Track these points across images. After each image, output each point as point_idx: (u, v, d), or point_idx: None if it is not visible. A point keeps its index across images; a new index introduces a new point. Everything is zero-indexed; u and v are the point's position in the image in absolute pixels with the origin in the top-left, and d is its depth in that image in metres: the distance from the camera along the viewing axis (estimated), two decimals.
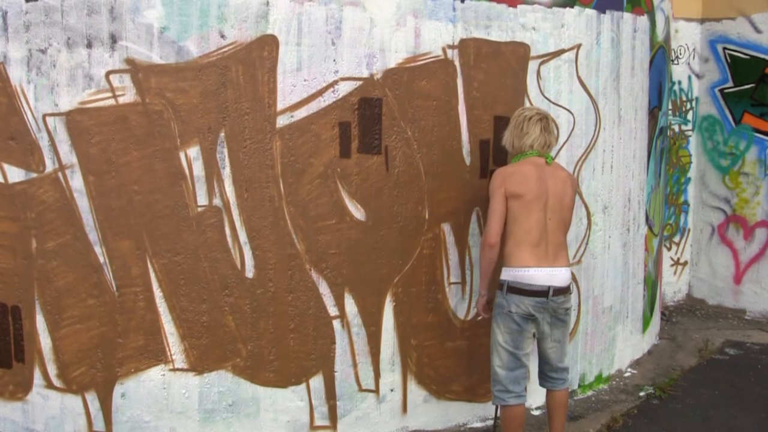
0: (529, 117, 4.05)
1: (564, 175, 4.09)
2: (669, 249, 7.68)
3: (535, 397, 5.02)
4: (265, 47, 4.05)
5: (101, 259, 4.08)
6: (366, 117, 4.23)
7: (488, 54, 4.53)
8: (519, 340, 3.94)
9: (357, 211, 4.28)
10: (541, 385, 4.22)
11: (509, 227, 3.95)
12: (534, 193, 3.90)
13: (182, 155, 4.04)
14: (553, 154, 4.85)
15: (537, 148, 4.02)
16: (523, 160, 4.03)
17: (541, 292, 3.89)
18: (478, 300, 4.20)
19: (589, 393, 5.31)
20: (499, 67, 4.58)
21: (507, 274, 3.95)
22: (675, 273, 7.77)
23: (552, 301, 3.91)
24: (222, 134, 4.06)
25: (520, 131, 4.05)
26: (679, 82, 7.53)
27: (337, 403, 4.37)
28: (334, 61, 4.16)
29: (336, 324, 4.32)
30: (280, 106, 4.10)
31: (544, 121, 4.06)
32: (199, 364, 4.18)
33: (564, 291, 3.97)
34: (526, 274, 3.89)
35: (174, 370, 4.17)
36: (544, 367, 4.16)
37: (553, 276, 3.92)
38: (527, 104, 4.72)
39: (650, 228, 6.16)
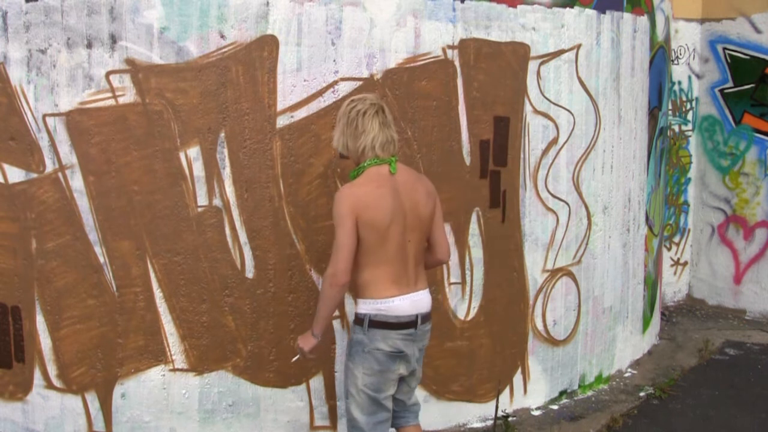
0: (363, 111, 3.35)
1: (414, 180, 3.46)
2: (669, 249, 7.68)
3: (535, 397, 5.02)
4: (265, 47, 4.05)
5: (101, 260, 4.07)
6: None
7: (488, 54, 4.53)
8: (381, 382, 3.35)
9: None
10: (395, 424, 3.60)
11: (363, 257, 3.31)
12: (390, 217, 3.27)
13: (182, 155, 4.04)
14: (552, 154, 4.88)
15: (378, 151, 3.35)
16: (367, 173, 3.35)
17: (410, 323, 3.34)
18: (308, 341, 3.43)
19: (589, 393, 5.31)
20: (499, 67, 4.58)
21: (367, 307, 3.34)
22: (675, 273, 7.78)
23: (420, 330, 3.39)
24: (222, 134, 4.06)
25: (354, 129, 3.35)
26: (679, 83, 7.53)
27: (338, 403, 4.37)
28: (334, 61, 4.16)
29: (336, 324, 4.32)
30: (280, 107, 4.10)
31: (381, 113, 3.38)
32: (199, 365, 4.18)
33: (429, 317, 3.46)
34: (391, 306, 3.31)
35: (174, 370, 4.17)
36: (399, 405, 3.57)
37: (418, 302, 3.39)
38: (527, 105, 4.73)
39: (650, 228, 6.16)
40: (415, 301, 3.37)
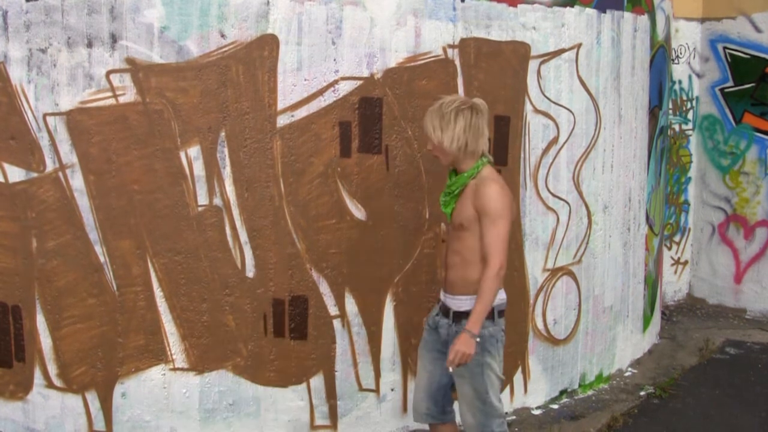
0: (477, 111, 3.43)
1: None
2: (669, 248, 7.68)
3: (536, 396, 5.02)
4: (266, 47, 4.05)
5: (102, 259, 4.08)
6: (366, 116, 4.23)
7: (488, 53, 4.53)
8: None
9: (357, 211, 4.28)
10: (434, 420, 3.74)
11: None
12: (515, 211, 3.58)
13: (182, 155, 4.04)
14: (552, 153, 4.88)
15: (485, 153, 3.51)
16: (490, 171, 3.50)
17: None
18: (471, 345, 3.34)
19: (590, 392, 5.31)
20: (499, 66, 4.58)
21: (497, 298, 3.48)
22: (675, 272, 7.77)
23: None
24: (222, 134, 4.06)
25: (477, 130, 3.41)
26: (680, 82, 7.53)
27: (338, 402, 4.37)
28: (335, 60, 4.16)
29: (336, 323, 4.32)
30: (280, 106, 4.10)
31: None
32: (199, 364, 4.18)
33: None
34: (504, 294, 3.56)
35: (174, 369, 4.17)
36: (447, 400, 3.73)
37: None
38: (528, 104, 4.72)
39: (651, 227, 6.16)
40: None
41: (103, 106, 3.98)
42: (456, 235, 3.52)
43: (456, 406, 3.74)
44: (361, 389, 4.42)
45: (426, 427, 4.57)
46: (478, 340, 3.35)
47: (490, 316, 3.43)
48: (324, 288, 4.27)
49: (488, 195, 3.35)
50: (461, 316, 3.45)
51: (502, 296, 3.52)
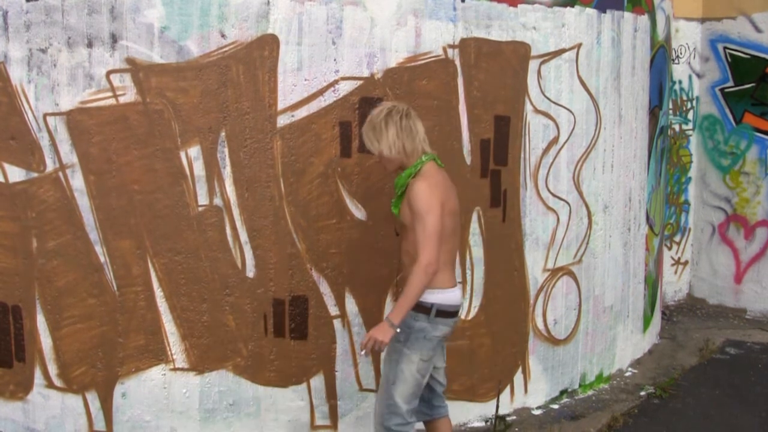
0: (406, 113, 3.51)
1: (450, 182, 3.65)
2: (669, 248, 7.68)
3: (536, 396, 5.02)
4: (266, 47, 4.05)
5: (102, 259, 4.07)
6: (366, 116, 4.22)
7: (489, 53, 4.53)
8: (429, 368, 3.61)
9: (358, 211, 4.28)
10: (434, 413, 3.82)
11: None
12: (454, 207, 3.53)
13: (183, 155, 4.04)
14: (552, 153, 4.88)
15: (426, 147, 3.55)
16: (429, 167, 3.53)
17: (457, 312, 3.62)
18: (387, 333, 3.36)
19: (590, 392, 5.31)
20: (499, 66, 4.58)
21: (435, 297, 3.48)
22: (675, 272, 7.77)
23: (457, 320, 3.67)
24: (222, 134, 4.06)
25: (409, 132, 3.49)
26: (680, 82, 7.53)
27: (338, 402, 4.37)
28: (335, 60, 4.16)
29: (337, 323, 4.32)
30: (280, 106, 4.10)
31: (415, 115, 3.57)
32: (199, 364, 4.18)
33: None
34: (452, 296, 3.54)
35: (175, 369, 4.17)
36: (434, 395, 3.80)
37: (460, 294, 3.66)
38: (528, 104, 4.72)
39: (651, 227, 6.16)
40: (460, 293, 3.65)
41: (104, 106, 3.98)
42: (403, 234, 3.61)
43: (446, 400, 3.87)
44: (362, 389, 4.42)
45: (421, 426, 4.57)
46: (397, 330, 3.40)
47: (427, 312, 3.48)
48: (324, 288, 4.27)
49: (414, 192, 3.40)
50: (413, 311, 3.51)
51: (448, 297, 3.52)
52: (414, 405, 3.61)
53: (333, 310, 4.30)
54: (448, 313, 3.54)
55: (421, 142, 3.52)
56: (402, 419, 3.56)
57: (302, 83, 4.12)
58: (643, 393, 5.30)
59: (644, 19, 5.57)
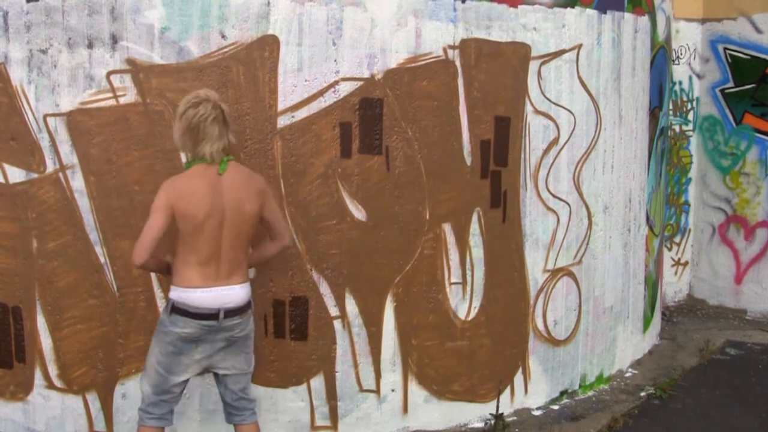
0: (205, 116, 3.43)
1: (243, 179, 3.54)
2: (670, 249, 7.68)
3: (536, 397, 5.02)
4: (266, 47, 4.05)
5: (102, 260, 4.07)
6: (367, 117, 4.23)
7: (489, 54, 4.53)
8: (174, 363, 3.50)
9: (358, 212, 4.28)
10: (228, 420, 3.74)
11: (178, 246, 3.49)
12: (206, 212, 3.39)
13: (183, 156, 4.03)
14: (553, 154, 4.88)
15: (214, 157, 3.46)
16: (194, 169, 3.48)
17: (210, 315, 3.45)
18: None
19: (590, 393, 5.31)
20: (500, 67, 4.58)
21: (173, 294, 3.48)
22: (676, 273, 7.77)
23: (225, 323, 3.49)
24: None
25: (196, 135, 3.45)
26: (680, 83, 7.53)
27: (338, 403, 4.37)
28: (335, 61, 4.16)
29: (337, 324, 4.32)
30: (281, 107, 4.10)
31: (221, 118, 3.47)
32: None
33: (239, 312, 3.53)
34: (192, 296, 3.43)
35: None
36: (226, 398, 3.69)
37: (225, 296, 3.48)
38: (528, 105, 4.72)
39: (651, 228, 6.16)
40: (221, 296, 3.48)
41: (104, 106, 3.98)
42: None
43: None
44: (362, 390, 4.42)
45: (422, 427, 4.58)
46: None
47: (167, 306, 3.52)
48: (324, 288, 4.27)
49: None
50: None
51: (188, 297, 3.44)
52: (159, 398, 3.54)
53: (333, 311, 4.30)
54: (190, 313, 3.43)
55: (209, 148, 3.44)
56: (143, 404, 3.58)
57: (302, 84, 4.12)
58: (643, 394, 5.30)
59: (644, 20, 5.57)
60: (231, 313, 3.50)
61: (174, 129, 3.54)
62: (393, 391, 4.49)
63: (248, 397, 3.71)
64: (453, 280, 4.58)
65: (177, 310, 3.46)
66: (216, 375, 3.66)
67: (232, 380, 3.66)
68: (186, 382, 3.60)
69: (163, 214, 3.39)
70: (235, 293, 3.52)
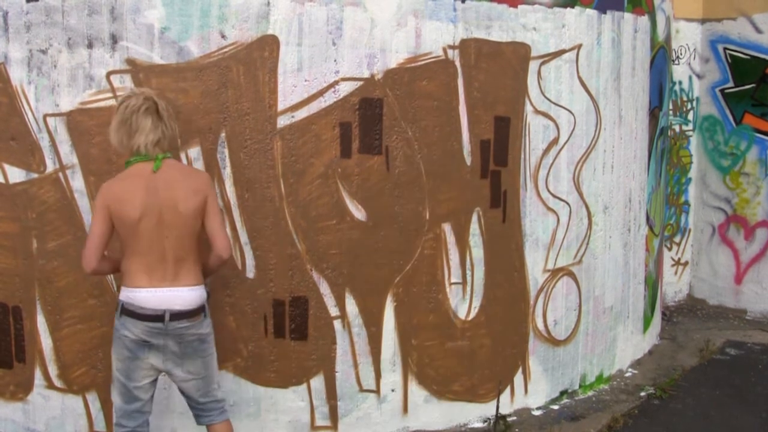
0: (136, 107, 3.39)
1: (180, 177, 3.44)
2: (670, 249, 7.68)
3: (536, 396, 5.02)
4: (266, 47, 4.05)
5: None
6: (367, 117, 4.23)
7: (489, 54, 4.53)
8: (131, 369, 3.42)
9: (358, 212, 4.28)
10: (198, 422, 3.65)
11: (123, 247, 3.44)
12: (141, 212, 3.33)
13: (183, 156, 4.03)
14: (552, 154, 4.88)
15: (149, 150, 3.40)
16: (130, 169, 3.43)
17: (155, 317, 3.35)
18: None
19: (590, 393, 5.31)
20: (499, 67, 4.58)
21: (122, 294, 3.42)
22: (676, 273, 7.77)
23: (172, 326, 3.37)
24: (223, 134, 4.06)
25: (129, 127, 3.40)
26: (680, 83, 7.53)
27: (338, 403, 4.37)
28: (335, 61, 4.16)
29: (337, 324, 4.32)
30: (280, 107, 4.10)
31: (154, 110, 3.42)
32: None
33: (188, 315, 3.40)
34: (137, 296, 3.36)
35: None
36: (190, 401, 3.61)
37: (171, 298, 3.37)
38: (528, 105, 4.73)
39: (651, 228, 6.16)
40: (167, 297, 3.38)
41: (104, 106, 3.98)
42: None
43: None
44: (362, 390, 4.42)
45: (422, 427, 4.58)
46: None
47: (117, 308, 3.45)
48: (324, 289, 4.27)
49: None
50: None
51: (135, 297, 3.37)
52: (130, 407, 3.46)
53: (333, 311, 4.30)
54: (136, 314, 3.36)
55: (143, 140, 3.39)
56: (116, 416, 3.49)
57: (302, 84, 4.12)
58: (643, 394, 5.30)
59: (644, 20, 5.57)
60: (178, 316, 3.38)
61: (110, 128, 3.48)
62: (393, 391, 4.49)
63: (214, 398, 3.60)
64: (453, 280, 4.58)
65: (125, 311, 3.39)
66: (173, 378, 3.54)
67: (191, 385, 3.54)
68: (151, 388, 3.51)
69: (101, 217, 3.36)
70: (181, 295, 3.40)
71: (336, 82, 4.16)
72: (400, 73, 4.29)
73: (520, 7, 4.61)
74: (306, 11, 4.09)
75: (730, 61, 7.32)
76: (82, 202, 4.05)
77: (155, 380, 3.53)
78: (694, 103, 7.61)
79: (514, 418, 4.82)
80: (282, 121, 4.11)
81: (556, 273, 5.02)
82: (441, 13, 4.35)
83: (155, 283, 3.38)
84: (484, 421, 4.74)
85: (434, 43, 4.35)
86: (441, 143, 4.43)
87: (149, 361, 3.44)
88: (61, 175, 4.04)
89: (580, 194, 5.09)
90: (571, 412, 4.96)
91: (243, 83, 4.04)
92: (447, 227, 4.51)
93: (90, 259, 3.38)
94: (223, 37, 4.00)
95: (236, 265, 4.14)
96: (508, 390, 4.89)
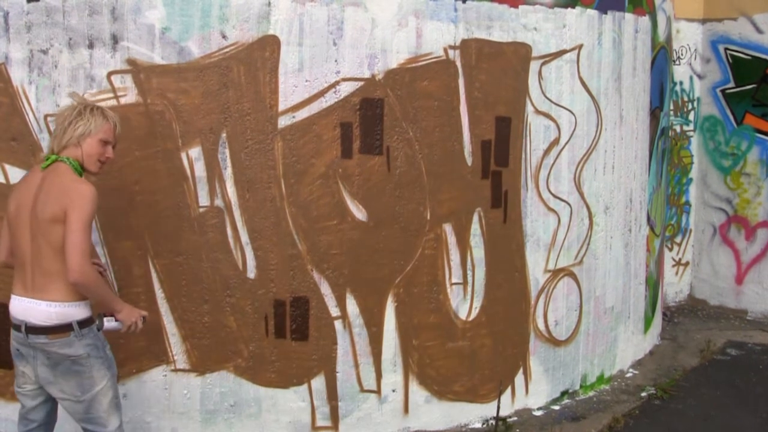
0: (62, 115, 3.28)
1: (50, 180, 3.16)
2: (670, 249, 7.67)
3: (537, 397, 5.02)
4: (267, 47, 4.05)
5: (103, 260, 4.07)
6: (367, 117, 4.23)
7: (490, 54, 4.53)
8: (15, 374, 3.29)
9: (358, 212, 4.28)
10: None
11: None
12: (14, 208, 3.21)
13: (184, 156, 4.03)
14: (553, 154, 4.88)
15: (48, 152, 3.26)
16: (32, 168, 3.37)
17: (17, 326, 3.18)
18: None
19: (591, 393, 5.31)
20: (500, 67, 4.58)
21: None
22: (676, 273, 7.77)
23: (32, 339, 3.13)
24: (224, 135, 4.06)
25: (54, 128, 3.30)
26: (681, 83, 7.53)
27: (339, 403, 4.37)
28: (336, 61, 4.16)
29: (338, 324, 4.32)
30: (281, 107, 4.10)
31: (62, 116, 3.24)
32: (200, 365, 4.18)
33: (45, 331, 3.11)
34: (10, 301, 3.22)
35: (176, 370, 4.17)
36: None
37: (28, 309, 3.14)
38: (529, 105, 4.72)
39: (652, 228, 6.16)
40: (25, 308, 3.16)
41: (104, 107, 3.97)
42: None
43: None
44: (363, 390, 4.41)
45: (423, 428, 4.58)
46: None
47: None
48: (325, 289, 4.27)
49: None
50: None
51: (10, 303, 3.27)
52: (21, 411, 3.33)
53: (334, 311, 4.30)
54: (9, 320, 3.22)
55: (50, 143, 3.28)
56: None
57: (303, 84, 4.12)
58: (644, 394, 5.30)
59: (645, 20, 5.57)
60: (34, 330, 3.12)
61: None
62: (394, 391, 4.49)
63: (92, 429, 3.28)
64: (454, 280, 4.58)
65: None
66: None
67: (67, 406, 3.25)
68: (36, 397, 3.28)
69: (6, 214, 3.30)
70: (38, 308, 3.13)
71: (337, 83, 4.16)
72: (401, 74, 4.29)
73: (521, 7, 4.61)
74: (307, 11, 4.08)
75: (730, 61, 7.31)
76: None
77: (41, 392, 3.27)
78: (695, 103, 7.61)
79: (515, 418, 4.82)
80: (283, 122, 4.11)
81: (557, 273, 5.02)
82: (442, 14, 4.35)
83: (20, 291, 3.20)
84: (485, 422, 4.74)
85: (435, 44, 4.35)
86: (442, 143, 4.43)
87: (23, 370, 3.25)
88: None
89: (581, 194, 5.09)
90: (572, 413, 4.96)
91: (244, 83, 4.04)
92: (448, 227, 4.51)
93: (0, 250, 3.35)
94: (223, 37, 4.00)
95: (237, 265, 4.14)
96: (508, 390, 4.88)
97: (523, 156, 4.75)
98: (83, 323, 3.20)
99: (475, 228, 4.61)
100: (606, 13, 5.09)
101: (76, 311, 3.19)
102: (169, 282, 4.10)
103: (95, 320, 3.28)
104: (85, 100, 3.47)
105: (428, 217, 4.44)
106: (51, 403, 3.34)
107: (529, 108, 4.74)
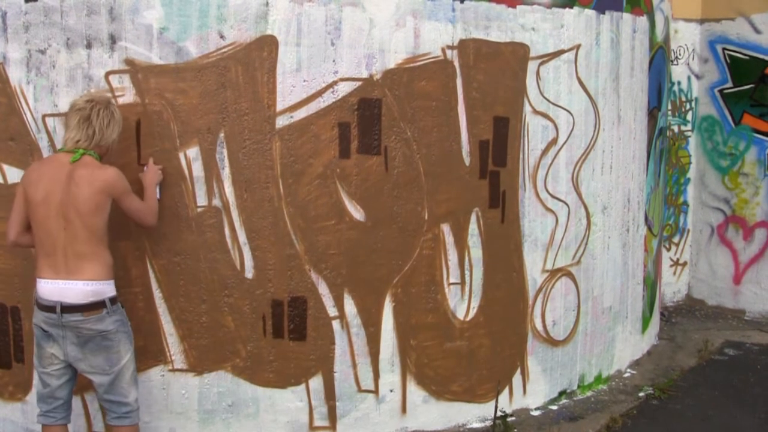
0: (74, 107, 3.60)
1: (84, 174, 3.49)
2: (668, 249, 7.68)
3: (535, 397, 5.02)
4: (265, 48, 4.05)
5: None
6: (365, 117, 4.23)
7: (488, 54, 4.53)
8: (40, 356, 3.58)
9: (356, 212, 4.28)
10: (105, 419, 3.79)
11: (32, 231, 3.58)
12: (42, 196, 3.46)
13: (182, 156, 4.04)
14: (551, 154, 4.88)
15: (70, 145, 3.55)
16: (51, 155, 3.77)
17: (50, 308, 3.45)
18: None
19: (589, 393, 5.31)
20: (498, 67, 4.58)
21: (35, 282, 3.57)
22: (674, 273, 7.78)
23: (66, 318, 3.45)
24: (221, 135, 4.06)
25: (66, 123, 3.63)
26: (679, 83, 7.53)
27: (337, 403, 4.37)
28: (334, 61, 4.16)
29: (335, 324, 4.32)
30: (279, 107, 4.10)
31: (85, 110, 3.56)
32: (198, 365, 4.18)
33: (80, 309, 3.45)
34: (38, 286, 3.50)
35: (173, 370, 4.17)
36: (97, 396, 3.72)
37: (63, 290, 3.45)
38: (527, 105, 4.73)
39: (649, 228, 6.16)
40: (60, 290, 3.46)
41: None
42: None
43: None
44: (360, 390, 4.42)
45: (420, 428, 4.57)
46: None
47: None
48: (323, 289, 4.27)
49: None
50: None
51: (38, 287, 3.53)
52: (44, 391, 3.63)
53: (332, 311, 4.30)
54: (38, 303, 3.51)
55: (67, 135, 3.60)
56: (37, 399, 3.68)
57: (301, 84, 4.12)
58: (641, 394, 5.30)
59: (643, 20, 5.58)
60: (69, 309, 3.45)
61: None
62: (391, 391, 4.49)
63: (115, 399, 3.63)
64: (452, 280, 4.58)
65: (36, 300, 3.53)
66: (78, 370, 3.63)
67: (94, 378, 3.61)
68: (62, 376, 3.60)
69: (18, 195, 3.58)
70: (73, 289, 3.46)
71: (335, 83, 4.16)
72: (399, 74, 4.29)
73: (518, 7, 4.61)
74: (305, 11, 4.09)
75: (728, 61, 7.32)
76: None
77: (67, 370, 3.61)
78: (693, 103, 7.62)
79: (513, 418, 4.82)
80: (281, 122, 4.11)
81: (554, 273, 5.02)
82: (440, 14, 4.35)
83: (51, 275, 3.48)
84: (483, 422, 4.74)
85: (433, 44, 4.35)
86: (440, 143, 4.43)
87: (51, 351, 3.55)
88: None
89: (579, 194, 5.09)
90: (570, 413, 4.96)
91: (242, 83, 4.04)
92: (446, 227, 4.51)
93: (9, 230, 3.60)
94: (221, 37, 4.00)
95: (235, 265, 4.14)
96: (506, 390, 4.88)
97: (521, 156, 4.75)
98: (113, 300, 3.58)
99: (473, 228, 4.61)
100: (604, 13, 5.09)
101: (108, 288, 3.56)
102: (167, 282, 4.10)
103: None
104: (107, 96, 3.79)
105: (426, 217, 4.45)
106: (73, 381, 3.68)
107: (527, 108, 4.74)
